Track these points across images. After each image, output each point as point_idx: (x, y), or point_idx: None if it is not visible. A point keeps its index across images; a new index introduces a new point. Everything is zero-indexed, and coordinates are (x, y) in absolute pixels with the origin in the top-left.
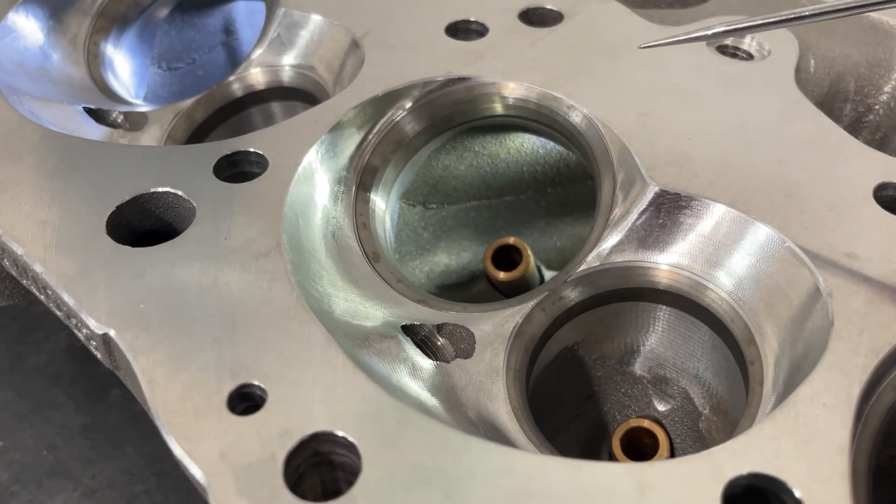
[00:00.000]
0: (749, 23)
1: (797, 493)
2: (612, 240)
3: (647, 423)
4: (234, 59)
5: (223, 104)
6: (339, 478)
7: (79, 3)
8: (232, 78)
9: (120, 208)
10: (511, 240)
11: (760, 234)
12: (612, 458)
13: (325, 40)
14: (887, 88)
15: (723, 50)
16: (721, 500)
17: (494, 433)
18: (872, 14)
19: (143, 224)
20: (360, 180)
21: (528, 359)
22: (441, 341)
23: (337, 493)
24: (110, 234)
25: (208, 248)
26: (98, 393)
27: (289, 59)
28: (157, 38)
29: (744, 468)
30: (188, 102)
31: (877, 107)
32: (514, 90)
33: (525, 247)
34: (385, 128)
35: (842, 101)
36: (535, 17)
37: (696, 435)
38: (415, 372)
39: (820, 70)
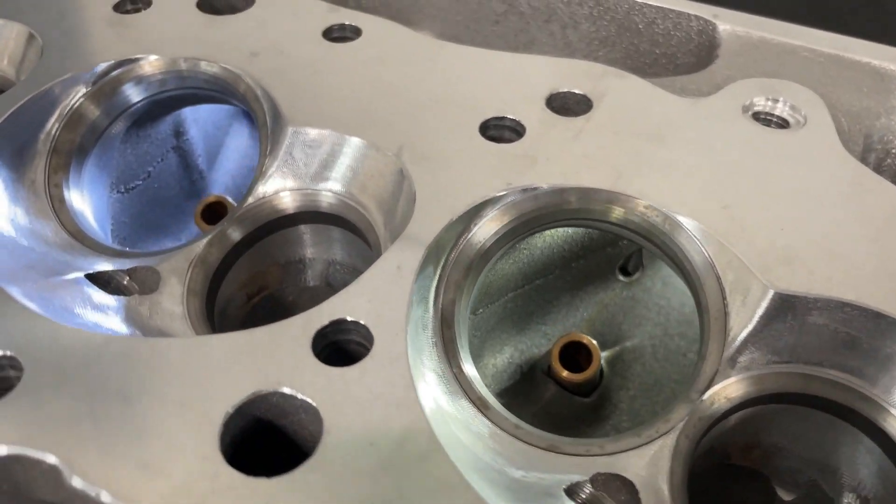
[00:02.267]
0: None
1: None
2: (745, 356)
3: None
4: (186, 161)
5: (238, 240)
6: None
7: (31, 143)
8: (242, 210)
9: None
10: (583, 339)
11: None
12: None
13: (361, 164)
14: (878, 126)
15: (756, 116)
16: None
17: None
18: (874, 62)
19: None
20: (442, 319)
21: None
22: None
23: None
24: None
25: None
26: None
27: (303, 182)
28: (115, 161)
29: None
30: (200, 245)
31: (894, 150)
32: (585, 196)
33: (595, 347)
34: (456, 255)
35: (868, 152)
36: (563, 104)
37: None
38: None
39: (853, 128)
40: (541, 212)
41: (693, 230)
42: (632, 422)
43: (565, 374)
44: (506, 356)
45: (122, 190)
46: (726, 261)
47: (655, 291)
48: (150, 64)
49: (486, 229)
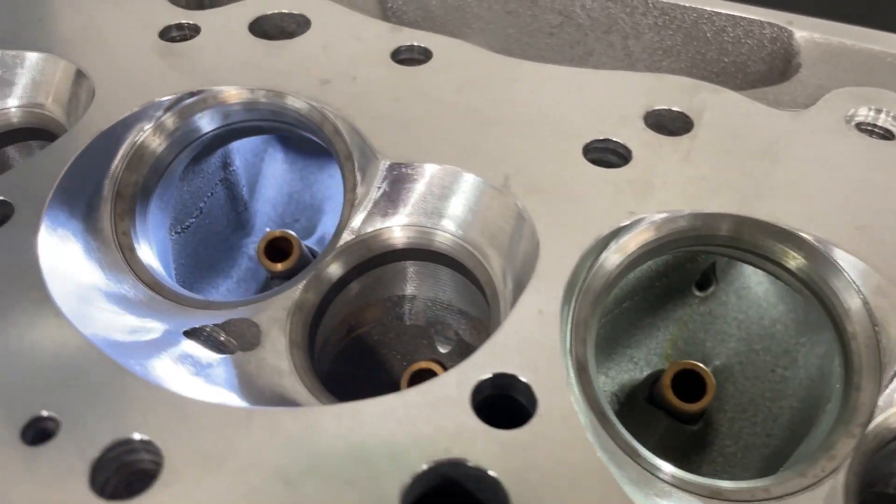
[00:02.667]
0: None
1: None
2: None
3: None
4: (232, 193)
5: (334, 280)
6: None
7: (98, 189)
8: (338, 248)
9: None
10: (696, 367)
11: None
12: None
13: (468, 198)
14: None
15: (860, 127)
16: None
17: None
18: None
19: None
20: (578, 365)
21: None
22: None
23: None
24: None
25: None
26: None
27: (403, 218)
28: (173, 200)
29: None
30: (297, 290)
31: None
32: (716, 224)
33: (708, 374)
34: (583, 292)
35: None
36: (660, 122)
37: None
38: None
39: None
40: (674, 238)
41: (845, 264)
42: (735, 445)
43: (681, 404)
44: (601, 379)
45: (179, 230)
46: (875, 284)
47: (731, 305)
48: (228, 95)
49: (612, 259)
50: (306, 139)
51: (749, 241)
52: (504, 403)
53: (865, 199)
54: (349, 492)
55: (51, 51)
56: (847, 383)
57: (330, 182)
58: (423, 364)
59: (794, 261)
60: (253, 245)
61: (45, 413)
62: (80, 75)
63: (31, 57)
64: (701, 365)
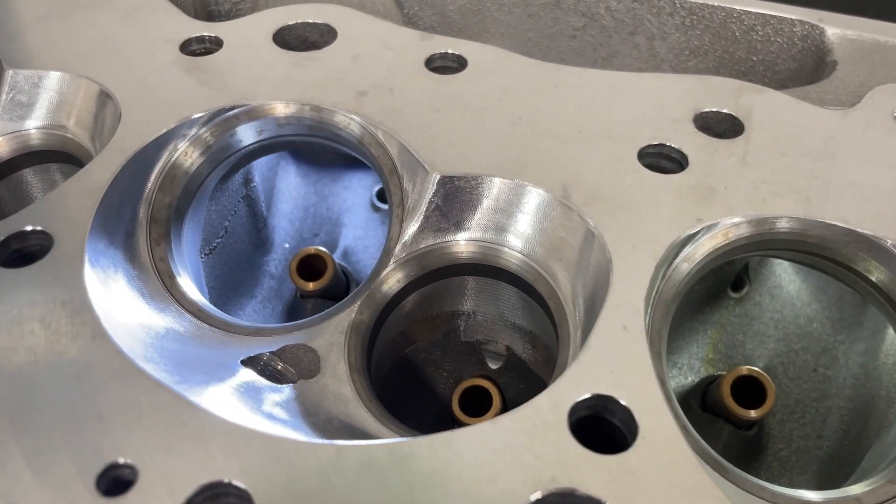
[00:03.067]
0: None
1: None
2: None
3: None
4: (253, 210)
5: (388, 299)
6: None
7: (137, 208)
8: (386, 271)
9: None
10: (754, 373)
11: None
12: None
13: (532, 211)
14: None
15: None
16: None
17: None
18: None
19: None
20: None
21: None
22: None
23: None
24: None
25: None
26: None
27: (460, 234)
28: (203, 220)
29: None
30: (353, 309)
31: None
32: (785, 227)
33: (767, 379)
34: (655, 303)
35: None
36: (709, 125)
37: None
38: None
39: None
40: (746, 241)
41: None
42: (788, 449)
43: (745, 412)
44: None
45: (207, 252)
46: None
47: (766, 305)
48: (267, 109)
49: (680, 269)
50: (318, 151)
51: (819, 245)
52: (596, 426)
53: None
54: None
55: (68, 70)
56: None
57: (346, 194)
58: (475, 381)
59: (878, 272)
60: (274, 263)
61: (121, 460)
62: (103, 95)
63: (51, 77)
64: (759, 370)
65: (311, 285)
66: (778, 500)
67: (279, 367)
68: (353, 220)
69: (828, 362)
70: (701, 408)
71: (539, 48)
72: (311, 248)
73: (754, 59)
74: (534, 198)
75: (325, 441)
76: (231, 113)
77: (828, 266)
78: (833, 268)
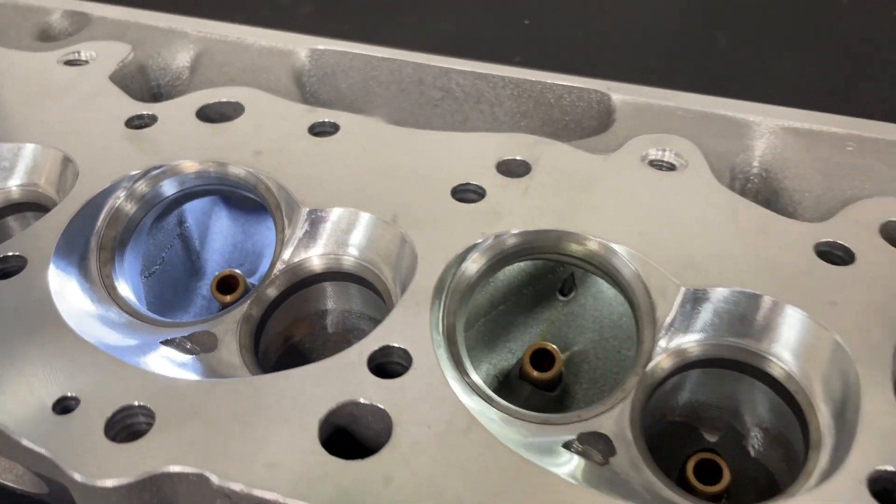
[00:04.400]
0: None
1: None
2: (670, 336)
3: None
4: (188, 246)
5: (273, 299)
6: None
7: (87, 244)
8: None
9: None
10: (547, 346)
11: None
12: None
13: (369, 231)
14: (755, 164)
15: (651, 164)
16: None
17: None
18: (731, 114)
19: None
20: (448, 339)
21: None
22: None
23: None
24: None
25: None
26: None
27: (320, 249)
28: (142, 250)
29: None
30: (245, 306)
31: (752, 178)
32: (580, 246)
33: (556, 350)
34: (451, 290)
35: (733, 181)
36: (509, 169)
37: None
38: None
39: (721, 165)
40: (513, 249)
41: (622, 252)
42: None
43: (536, 373)
44: (483, 371)
45: (147, 275)
46: (648, 271)
47: (589, 306)
48: (184, 166)
49: (471, 267)
50: (246, 200)
51: (564, 248)
52: (389, 368)
53: (647, 214)
54: (285, 425)
55: (42, 142)
56: (637, 338)
57: (267, 233)
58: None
59: (601, 260)
60: (205, 287)
61: (69, 394)
62: (66, 160)
63: (28, 147)
64: (551, 345)
65: (227, 298)
66: (531, 418)
67: (188, 346)
68: (270, 252)
69: (630, 346)
70: (518, 378)
71: (412, 115)
72: (228, 270)
73: (567, 118)
74: (370, 221)
75: (207, 379)
76: (159, 170)
77: (569, 260)
78: (572, 261)
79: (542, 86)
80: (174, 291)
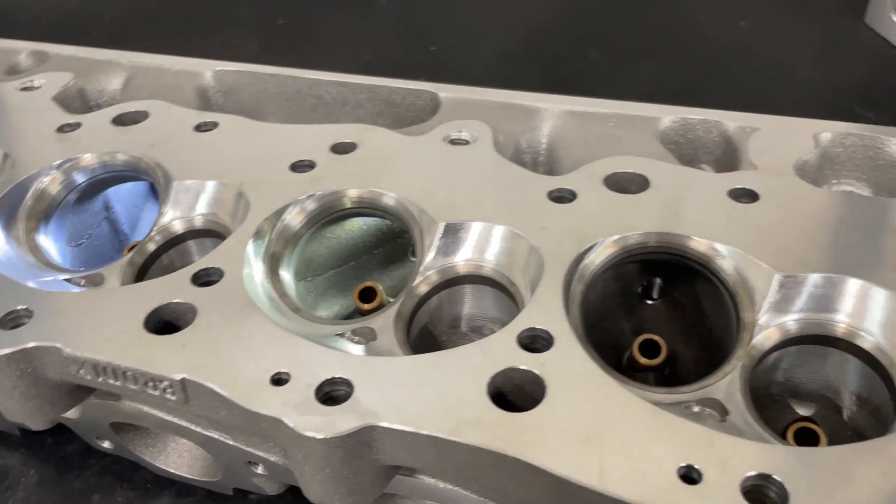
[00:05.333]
0: None
1: None
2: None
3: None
4: (115, 228)
5: (152, 251)
6: None
7: (15, 213)
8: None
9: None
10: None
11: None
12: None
13: (215, 195)
14: (544, 142)
15: (451, 141)
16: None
17: None
18: (522, 102)
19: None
20: (271, 265)
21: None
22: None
23: None
24: None
25: None
26: None
27: (188, 213)
28: (67, 225)
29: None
30: (125, 258)
31: (542, 153)
32: (358, 193)
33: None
34: (276, 235)
35: (523, 154)
36: (342, 149)
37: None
38: None
39: (507, 141)
40: (325, 205)
41: (392, 195)
42: None
43: (364, 305)
44: (336, 309)
45: (73, 245)
46: (417, 207)
47: None
48: (87, 158)
49: (295, 221)
50: None
51: (365, 204)
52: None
53: (437, 175)
54: None
55: None
56: (417, 256)
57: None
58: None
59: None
60: None
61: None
62: (6, 155)
63: None
64: (373, 283)
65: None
66: (323, 321)
67: (82, 282)
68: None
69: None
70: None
71: (298, 119)
72: (137, 241)
73: (411, 115)
74: (217, 187)
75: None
76: (73, 161)
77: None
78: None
79: (389, 90)
80: (101, 260)
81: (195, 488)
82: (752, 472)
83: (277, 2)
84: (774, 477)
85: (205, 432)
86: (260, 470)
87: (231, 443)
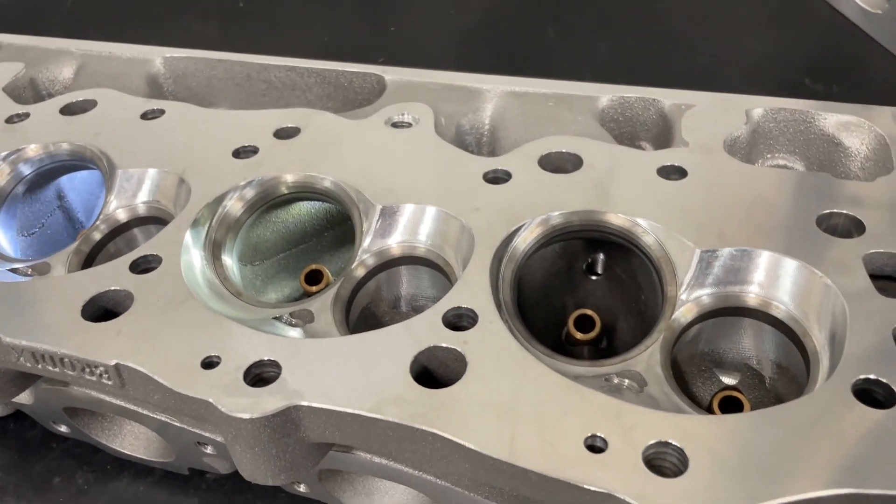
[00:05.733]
0: None
1: None
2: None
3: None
4: (69, 216)
5: (98, 240)
6: None
7: None
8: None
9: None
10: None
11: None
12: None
13: (157, 181)
14: (487, 122)
15: (393, 125)
16: None
17: None
18: (465, 84)
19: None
20: (213, 251)
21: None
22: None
23: None
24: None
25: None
26: None
27: (135, 200)
28: (18, 214)
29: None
30: (71, 247)
31: (485, 133)
32: (295, 178)
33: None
34: (217, 221)
35: (466, 136)
36: (285, 134)
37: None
38: None
39: (449, 123)
40: (265, 191)
41: (332, 179)
42: None
43: (314, 289)
44: (286, 292)
45: (26, 234)
46: (359, 197)
47: None
48: (32, 149)
49: (235, 207)
50: None
51: (304, 189)
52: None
53: (377, 158)
54: None
55: None
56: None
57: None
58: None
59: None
60: None
61: None
62: None
63: None
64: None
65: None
66: (254, 303)
67: (28, 272)
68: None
69: None
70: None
71: (246, 104)
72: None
73: (359, 98)
74: (159, 174)
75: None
76: (19, 152)
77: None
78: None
79: (337, 73)
80: (55, 248)
81: (153, 469)
82: (654, 440)
83: None
84: (674, 443)
85: (153, 415)
86: (209, 450)
87: (178, 425)
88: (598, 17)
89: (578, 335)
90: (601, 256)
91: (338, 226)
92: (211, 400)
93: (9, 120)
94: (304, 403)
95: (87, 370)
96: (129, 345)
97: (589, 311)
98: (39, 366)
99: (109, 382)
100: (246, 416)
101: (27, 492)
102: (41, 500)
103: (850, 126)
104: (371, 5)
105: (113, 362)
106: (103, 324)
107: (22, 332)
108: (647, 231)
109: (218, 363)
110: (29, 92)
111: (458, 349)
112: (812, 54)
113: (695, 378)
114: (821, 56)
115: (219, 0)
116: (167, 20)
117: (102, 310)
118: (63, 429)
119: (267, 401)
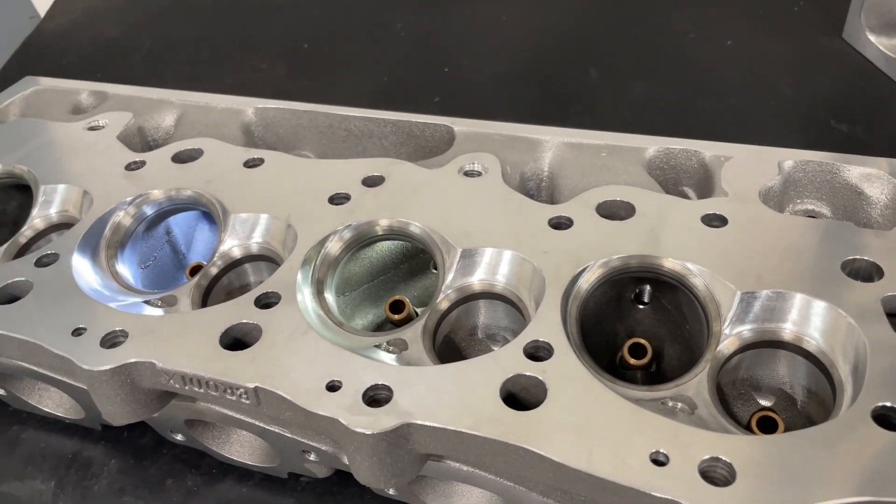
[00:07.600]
0: None
1: None
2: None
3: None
4: (175, 250)
5: (215, 275)
6: None
7: (98, 244)
8: (215, 258)
9: None
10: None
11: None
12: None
13: (268, 227)
14: (546, 170)
15: (465, 174)
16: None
17: None
18: (526, 135)
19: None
20: (317, 287)
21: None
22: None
23: None
24: None
25: None
26: None
27: (243, 242)
28: (138, 250)
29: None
30: (193, 281)
31: (545, 180)
32: (388, 223)
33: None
34: (319, 261)
35: (528, 182)
36: (372, 182)
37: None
38: None
39: (513, 171)
40: (360, 233)
41: (419, 224)
42: None
43: (395, 316)
44: (370, 318)
45: (143, 267)
46: (439, 236)
47: None
48: (155, 194)
49: (334, 248)
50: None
51: (394, 232)
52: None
53: (455, 206)
54: None
55: (69, 183)
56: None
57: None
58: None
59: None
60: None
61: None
62: (85, 193)
63: (60, 187)
64: (401, 297)
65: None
66: (361, 333)
67: (158, 303)
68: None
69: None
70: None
71: (330, 150)
72: (195, 262)
73: (430, 145)
74: (269, 220)
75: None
76: (142, 197)
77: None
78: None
79: (410, 123)
80: (166, 280)
81: (254, 473)
82: (707, 456)
83: (301, 28)
84: (724, 458)
85: (265, 426)
86: (312, 457)
87: (288, 435)
88: (636, 60)
89: (632, 361)
90: (647, 287)
91: (411, 259)
92: (340, 419)
93: (128, 167)
94: (415, 422)
95: (229, 391)
96: (263, 370)
97: (641, 340)
98: (186, 387)
99: (248, 402)
100: (368, 431)
101: (144, 492)
102: (156, 500)
103: (870, 177)
104: (425, 47)
105: (252, 385)
106: (240, 352)
107: (171, 359)
108: (696, 274)
109: (340, 387)
110: (137, 139)
111: (539, 377)
112: (837, 96)
113: (735, 400)
114: (846, 98)
115: (284, 41)
116: (237, 60)
117: (234, 339)
118: (179, 437)
119: (384, 419)
